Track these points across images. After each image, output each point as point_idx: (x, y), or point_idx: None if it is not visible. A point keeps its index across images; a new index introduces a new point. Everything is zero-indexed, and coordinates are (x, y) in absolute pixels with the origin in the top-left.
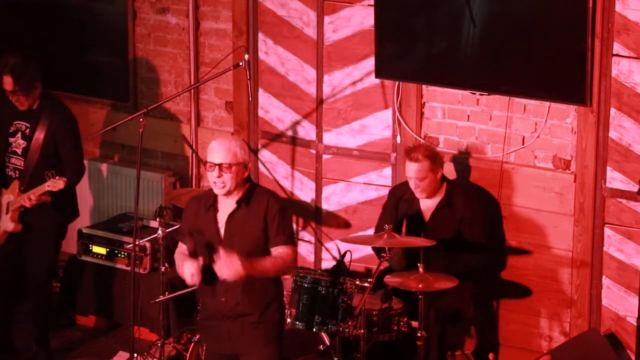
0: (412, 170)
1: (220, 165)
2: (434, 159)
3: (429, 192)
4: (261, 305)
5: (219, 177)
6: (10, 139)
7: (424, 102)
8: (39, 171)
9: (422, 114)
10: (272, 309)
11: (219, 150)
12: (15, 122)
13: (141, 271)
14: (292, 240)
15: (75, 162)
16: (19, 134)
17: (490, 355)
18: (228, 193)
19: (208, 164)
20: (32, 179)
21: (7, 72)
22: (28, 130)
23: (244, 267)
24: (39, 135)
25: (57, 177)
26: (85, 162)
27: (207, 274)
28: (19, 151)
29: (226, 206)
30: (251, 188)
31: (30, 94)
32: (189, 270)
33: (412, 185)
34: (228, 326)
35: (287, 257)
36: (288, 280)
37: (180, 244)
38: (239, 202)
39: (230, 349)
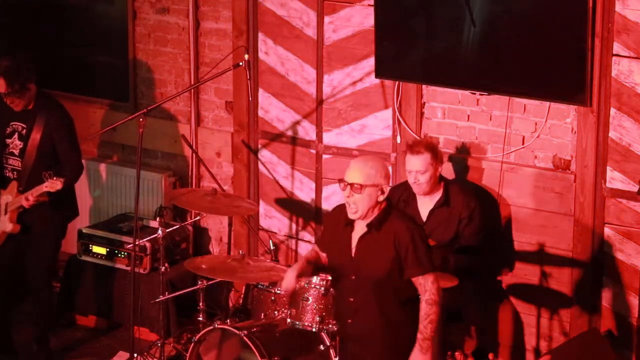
0: (414, 163)
1: (351, 184)
2: (436, 152)
3: (427, 188)
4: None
5: (349, 197)
6: (7, 140)
7: (424, 102)
8: (37, 171)
9: (422, 114)
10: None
11: (354, 168)
12: (11, 123)
13: (141, 271)
14: (431, 268)
15: (72, 161)
16: (16, 135)
17: (490, 355)
18: (360, 217)
19: (340, 182)
20: (30, 180)
21: (0, 75)
22: (24, 130)
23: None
24: (36, 135)
25: (54, 178)
26: (85, 162)
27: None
28: (16, 152)
29: (359, 227)
30: (386, 212)
31: (24, 96)
32: (287, 274)
33: (411, 180)
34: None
35: (435, 291)
36: None
37: (313, 246)
38: (369, 226)
39: None
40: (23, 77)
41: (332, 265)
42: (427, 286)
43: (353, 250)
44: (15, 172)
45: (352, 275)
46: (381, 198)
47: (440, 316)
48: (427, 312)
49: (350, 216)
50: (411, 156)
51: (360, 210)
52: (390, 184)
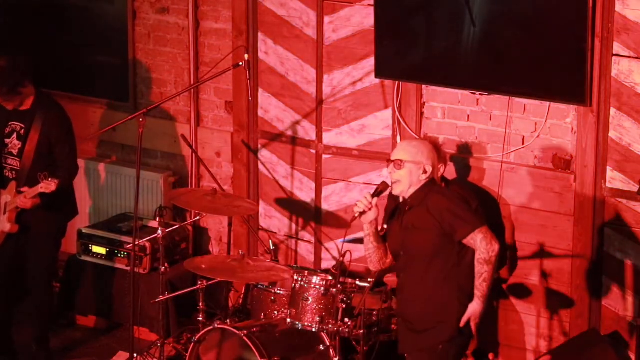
0: None
1: (393, 161)
2: (438, 148)
3: None
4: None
5: (391, 173)
6: (5, 139)
7: (424, 102)
8: (36, 171)
9: (422, 114)
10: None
11: (399, 147)
12: (10, 123)
13: (141, 271)
14: (478, 224)
15: (67, 162)
16: (14, 135)
17: (490, 355)
18: (401, 192)
19: (387, 161)
20: (29, 179)
21: None
22: (23, 130)
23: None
24: (34, 135)
25: (49, 179)
26: (85, 162)
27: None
28: (15, 152)
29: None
30: (425, 188)
31: (16, 96)
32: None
33: None
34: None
35: (485, 249)
36: (288, 281)
37: None
38: (409, 203)
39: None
40: (14, 80)
41: (389, 247)
42: (477, 244)
43: (399, 229)
44: (14, 172)
45: (401, 251)
46: (423, 177)
47: (493, 273)
48: (479, 270)
49: (394, 192)
50: None
51: (402, 186)
52: (440, 166)
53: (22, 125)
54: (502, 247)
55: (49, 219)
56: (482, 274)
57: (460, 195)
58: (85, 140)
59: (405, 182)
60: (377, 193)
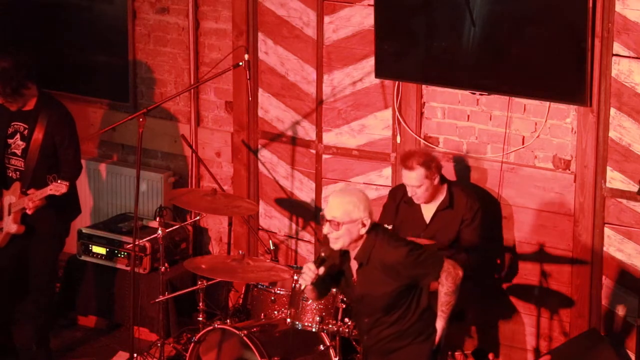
0: (407, 178)
1: (329, 221)
2: (429, 165)
3: (425, 198)
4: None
5: (329, 233)
6: (9, 140)
7: (424, 102)
8: (40, 171)
9: (422, 114)
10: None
11: (332, 204)
12: (13, 123)
13: (141, 271)
14: (437, 266)
15: (72, 161)
16: (18, 135)
17: (490, 355)
18: (343, 247)
19: (321, 215)
20: (34, 180)
21: None
22: (26, 131)
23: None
24: (38, 135)
25: (59, 181)
26: (85, 162)
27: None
28: (19, 152)
29: (355, 262)
30: (370, 239)
31: (19, 97)
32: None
33: (409, 192)
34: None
35: (451, 283)
36: (288, 281)
37: None
38: (357, 260)
39: None
40: (17, 81)
41: (346, 296)
42: (442, 282)
43: (354, 281)
44: (18, 173)
45: (361, 302)
46: (363, 230)
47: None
48: (446, 300)
49: (335, 248)
50: (405, 171)
51: (343, 242)
52: (372, 218)
53: (26, 126)
54: (502, 247)
55: (53, 219)
56: (448, 302)
57: (403, 239)
58: (85, 140)
59: (346, 239)
60: (319, 262)
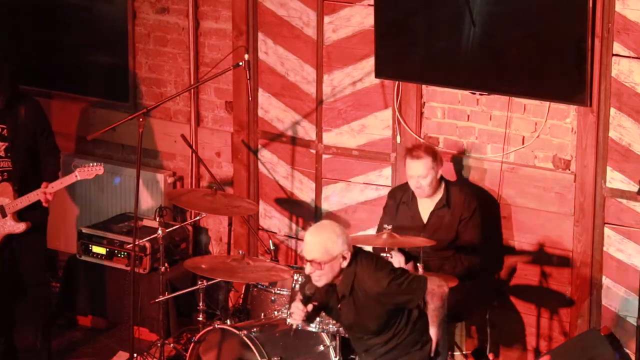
0: (414, 167)
1: (310, 261)
2: (435, 156)
3: (430, 190)
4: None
5: (311, 272)
6: None
7: (424, 102)
8: (29, 167)
9: (422, 114)
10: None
11: (310, 243)
12: None
13: (141, 271)
14: (420, 289)
15: (55, 147)
16: None
17: (490, 355)
18: (327, 282)
19: (302, 258)
20: (24, 177)
21: None
22: (5, 131)
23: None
24: (18, 132)
25: (91, 164)
26: (85, 162)
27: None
28: (2, 153)
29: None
30: (351, 269)
31: None
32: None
33: (412, 185)
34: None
35: (437, 302)
36: (288, 280)
37: None
38: (341, 292)
39: None
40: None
41: (338, 322)
42: (427, 301)
43: (343, 314)
44: (5, 174)
45: (352, 328)
46: (345, 264)
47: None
48: (435, 315)
49: (319, 285)
50: (411, 161)
51: (326, 279)
52: (350, 249)
53: (4, 126)
54: (502, 247)
55: (36, 214)
56: (437, 315)
57: (386, 264)
58: (85, 140)
59: (329, 275)
60: (306, 300)
